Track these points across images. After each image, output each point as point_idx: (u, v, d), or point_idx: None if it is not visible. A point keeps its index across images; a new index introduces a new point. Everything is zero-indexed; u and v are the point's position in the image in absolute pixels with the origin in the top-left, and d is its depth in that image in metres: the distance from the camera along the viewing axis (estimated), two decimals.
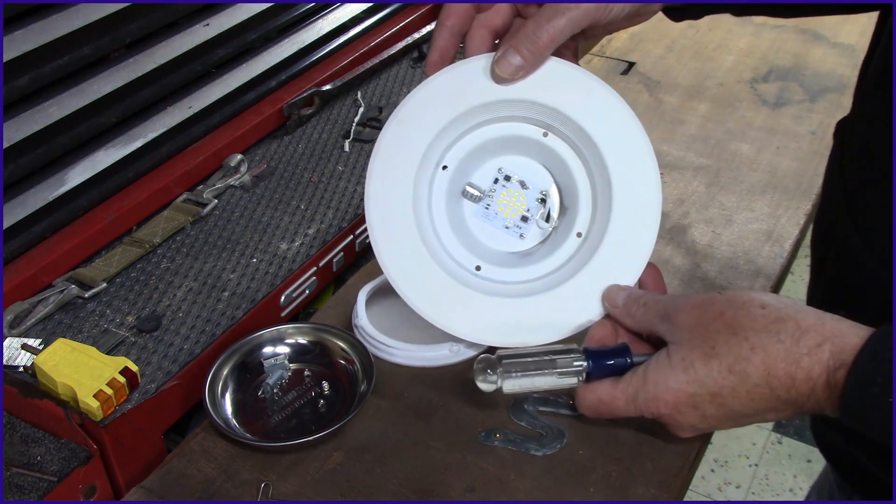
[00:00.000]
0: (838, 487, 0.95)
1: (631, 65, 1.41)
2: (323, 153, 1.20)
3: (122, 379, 0.82)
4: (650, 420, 0.69)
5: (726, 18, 1.51)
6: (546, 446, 0.77)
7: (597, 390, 0.70)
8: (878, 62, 0.71)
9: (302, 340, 0.87)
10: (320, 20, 1.38)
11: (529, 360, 0.71)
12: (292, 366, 0.86)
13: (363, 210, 0.80)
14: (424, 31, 1.44)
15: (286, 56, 1.28)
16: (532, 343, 0.76)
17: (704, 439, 0.79)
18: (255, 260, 1.02)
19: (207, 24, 1.20)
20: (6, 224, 0.95)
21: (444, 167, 0.81)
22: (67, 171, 1.03)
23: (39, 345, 0.89)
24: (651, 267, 0.78)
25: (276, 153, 1.20)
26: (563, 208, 0.82)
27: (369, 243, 0.79)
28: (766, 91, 1.34)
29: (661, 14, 0.80)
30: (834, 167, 0.79)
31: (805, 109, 1.29)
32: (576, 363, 0.71)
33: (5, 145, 0.95)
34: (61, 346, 0.85)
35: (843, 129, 0.80)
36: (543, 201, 0.81)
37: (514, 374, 0.71)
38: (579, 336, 0.76)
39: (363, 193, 0.79)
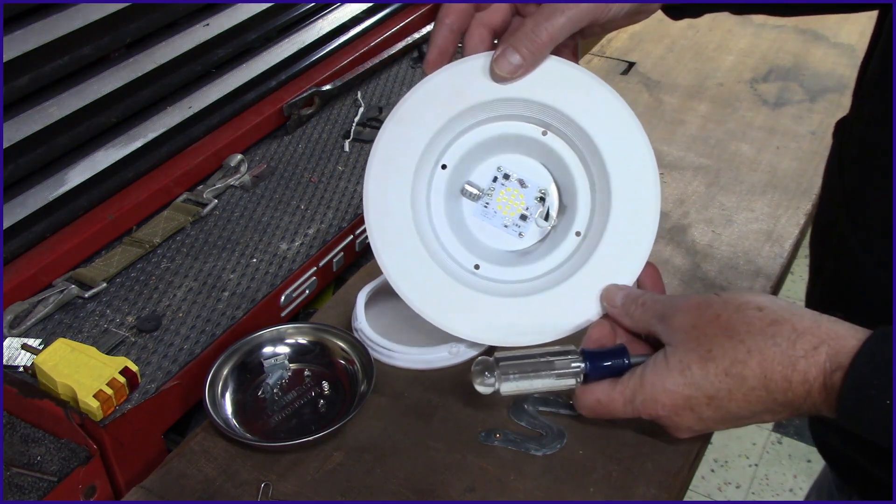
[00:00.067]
0: (838, 487, 0.95)
1: (631, 65, 1.41)
2: (323, 153, 1.20)
3: (122, 379, 0.82)
4: (650, 420, 0.69)
5: (726, 18, 1.51)
6: (546, 446, 0.77)
7: (595, 391, 0.70)
8: (878, 62, 0.71)
9: (302, 340, 0.87)
10: (320, 20, 1.38)
11: (527, 361, 0.71)
12: (292, 366, 0.86)
13: (363, 210, 0.80)
14: (424, 30, 1.43)
15: (286, 56, 1.28)
16: (530, 342, 0.76)
17: (704, 439, 0.79)
18: (255, 260, 1.02)
19: (207, 24, 1.20)
20: (6, 224, 0.95)
21: (443, 166, 0.81)
22: (67, 171, 1.03)
23: (39, 345, 0.89)
24: (650, 266, 0.78)
25: (276, 153, 1.20)
26: (561, 207, 0.82)
27: (369, 243, 0.79)
28: (766, 91, 1.34)
29: (660, 13, 0.80)
30: (833, 167, 0.79)
31: (805, 109, 1.29)
32: (573, 365, 0.71)
33: (5, 145, 0.95)
34: (61, 346, 0.85)
35: (842, 129, 0.80)
36: (542, 200, 0.81)
37: (511, 377, 0.71)
38: (578, 335, 0.76)
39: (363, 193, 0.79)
